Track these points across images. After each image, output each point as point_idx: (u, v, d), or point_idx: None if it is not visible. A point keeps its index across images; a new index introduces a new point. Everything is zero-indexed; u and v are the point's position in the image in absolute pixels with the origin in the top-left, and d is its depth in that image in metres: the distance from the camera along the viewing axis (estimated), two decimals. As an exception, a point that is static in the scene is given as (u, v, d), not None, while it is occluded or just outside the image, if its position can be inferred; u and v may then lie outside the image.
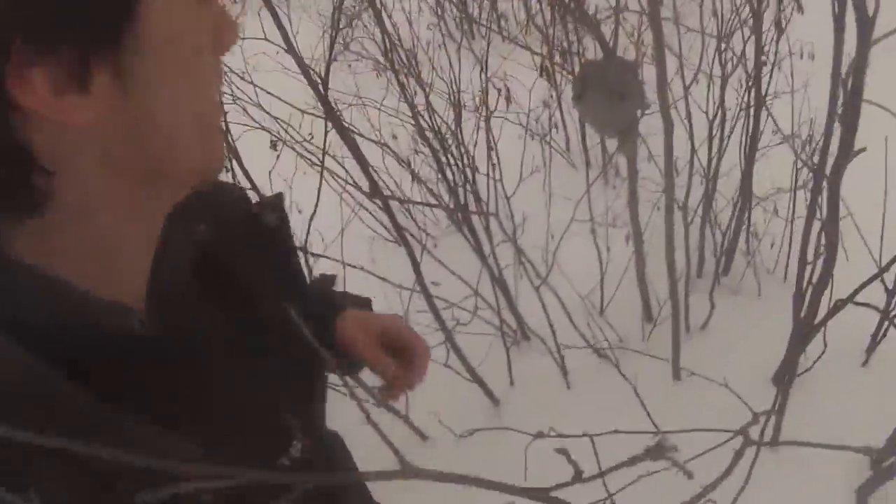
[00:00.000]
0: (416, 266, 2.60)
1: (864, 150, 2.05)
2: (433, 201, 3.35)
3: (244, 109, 3.04)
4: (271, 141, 3.14)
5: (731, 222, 3.21)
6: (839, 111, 1.98)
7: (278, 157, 3.11)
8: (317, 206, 2.94)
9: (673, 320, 2.84)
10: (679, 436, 2.36)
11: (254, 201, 0.88)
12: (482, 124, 3.13)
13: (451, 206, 2.83)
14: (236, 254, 0.79)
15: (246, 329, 0.75)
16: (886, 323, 2.65)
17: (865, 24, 1.75)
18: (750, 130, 2.90)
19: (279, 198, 0.86)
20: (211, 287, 0.75)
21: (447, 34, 4.28)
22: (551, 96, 4.14)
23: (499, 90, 3.69)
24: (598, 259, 3.11)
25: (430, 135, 2.96)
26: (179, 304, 0.70)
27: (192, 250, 0.74)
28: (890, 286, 2.47)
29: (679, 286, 2.77)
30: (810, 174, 2.37)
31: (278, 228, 0.84)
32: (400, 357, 1.13)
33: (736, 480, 2.30)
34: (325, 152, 2.60)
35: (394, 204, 3.96)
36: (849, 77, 1.90)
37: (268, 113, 3.07)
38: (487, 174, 2.82)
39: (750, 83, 2.79)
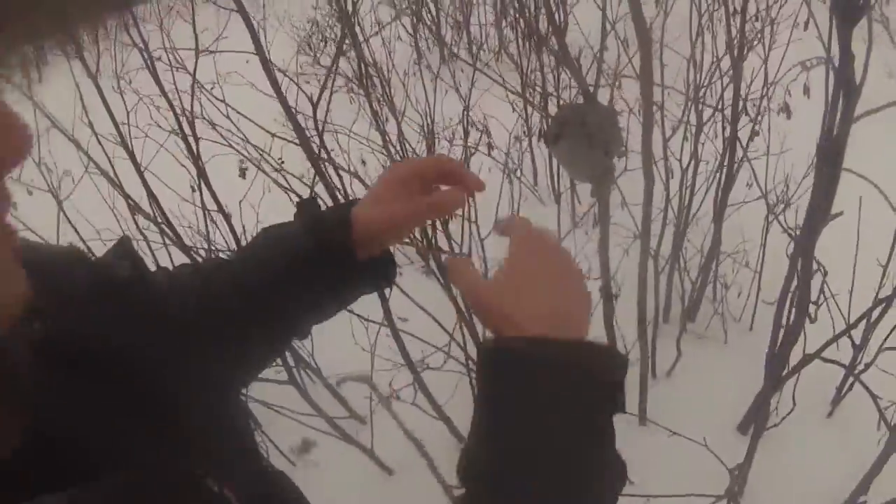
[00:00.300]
0: (383, 301, 2.55)
1: (840, 213, 2.07)
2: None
3: (211, 124, 2.97)
4: (240, 168, 3.07)
5: (700, 271, 3.23)
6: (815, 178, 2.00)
7: (250, 186, 3.05)
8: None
9: (641, 365, 2.82)
10: (649, 483, 2.38)
11: (107, 249, 0.76)
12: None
13: (422, 244, 2.78)
14: (91, 330, 0.67)
15: (128, 405, 0.65)
16: (851, 378, 2.67)
17: (851, 97, 1.76)
18: (722, 183, 2.91)
19: (125, 242, 0.76)
20: (72, 378, 0.64)
21: (425, 62, 4.23)
22: (523, 132, 4.14)
23: (479, 130, 3.67)
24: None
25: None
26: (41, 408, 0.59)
27: (31, 352, 0.62)
28: (857, 342, 2.50)
29: (647, 331, 2.76)
30: (783, 231, 2.38)
31: (133, 276, 0.74)
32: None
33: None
34: (289, 185, 2.53)
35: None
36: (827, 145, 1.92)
37: (238, 139, 3.01)
38: (462, 215, 2.78)
39: (726, 137, 2.80)
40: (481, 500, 0.68)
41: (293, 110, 2.26)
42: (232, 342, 0.91)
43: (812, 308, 2.31)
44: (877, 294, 2.38)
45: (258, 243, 0.96)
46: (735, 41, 2.63)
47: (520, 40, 5.18)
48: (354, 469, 3.05)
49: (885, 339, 2.42)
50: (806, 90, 1.90)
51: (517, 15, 5.33)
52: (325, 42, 6.85)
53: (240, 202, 2.85)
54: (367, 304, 2.66)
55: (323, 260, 0.89)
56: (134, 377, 0.66)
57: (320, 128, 2.36)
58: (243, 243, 2.81)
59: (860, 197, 2.23)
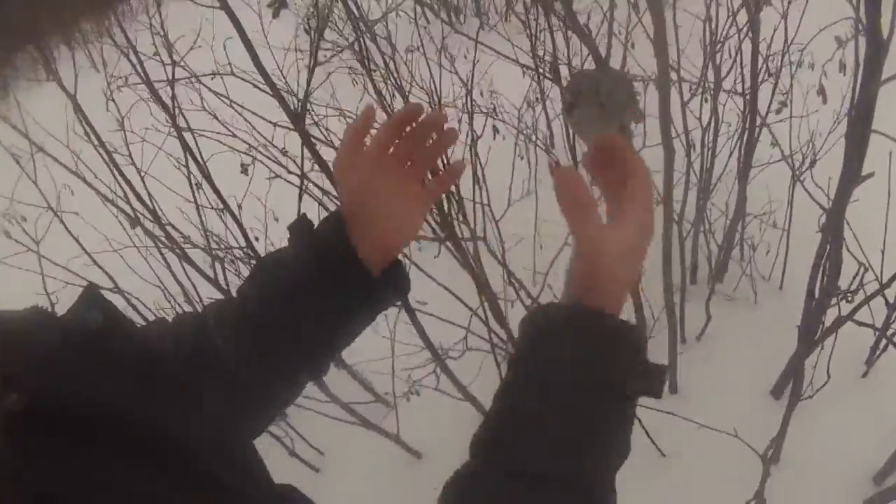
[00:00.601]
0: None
1: (871, 175, 1.98)
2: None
3: (212, 115, 2.89)
4: (242, 164, 3.00)
5: (725, 233, 3.13)
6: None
7: (250, 181, 2.97)
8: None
9: (669, 332, 2.75)
10: (682, 455, 2.31)
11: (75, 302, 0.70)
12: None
13: (437, 227, 2.71)
14: (70, 390, 0.62)
15: (123, 458, 0.62)
16: (884, 340, 2.59)
17: (879, 54, 1.67)
18: (744, 144, 2.81)
19: (92, 292, 0.71)
20: (62, 444, 0.59)
21: (428, 35, 4.12)
22: (536, 98, 4.02)
23: (490, 97, 3.57)
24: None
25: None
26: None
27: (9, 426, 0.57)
28: (891, 300, 2.41)
29: (673, 298, 2.69)
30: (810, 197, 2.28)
31: (105, 326, 0.69)
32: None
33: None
34: (302, 178, 2.46)
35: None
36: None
37: (240, 130, 2.94)
38: (473, 199, 2.70)
39: (746, 95, 2.69)
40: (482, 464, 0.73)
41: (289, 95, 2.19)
42: (235, 386, 0.86)
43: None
44: None
45: (258, 279, 0.91)
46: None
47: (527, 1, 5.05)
48: (382, 455, 3.02)
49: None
50: (842, 67, 1.78)
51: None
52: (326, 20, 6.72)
53: (240, 199, 2.76)
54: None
55: (331, 282, 0.86)
56: (124, 429, 0.62)
57: (308, 108, 2.26)
58: (251, 237, 2.78)
59: (890, 153, 2.13)
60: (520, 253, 2.91)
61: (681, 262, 2.92)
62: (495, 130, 3.69)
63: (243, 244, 2.76)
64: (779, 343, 2.78)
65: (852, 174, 1.96)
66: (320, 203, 3.41)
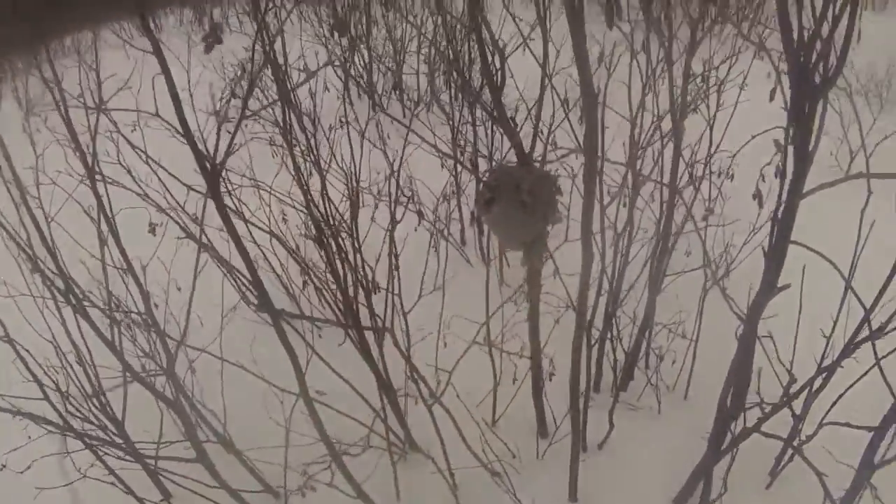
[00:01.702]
0: (299, 374, 2.34)
1: (788, 286, 2.00)
2: (324, 300, 3.12)
3: (129, 172, 2.74)
4: (150, 224, 2.85)
5: (633, 342, 3.12)
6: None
7: (159, 244, 2.83)
8: (192, 293, 2.70)
9: (573, 439, 2.68)
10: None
11: None
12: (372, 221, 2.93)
13: (342, 316, 2.59)
14: None
15: None
16: (790, 451, 2.59)
17: (802, 171, 1.69)
18: (658, 252, 2.82)
19: None
20: None
21: (353, 115, 4.08)
22: (452, 191, 4.00)
23: (406, 195, 3.52)
24: (493, 371, 2.93)
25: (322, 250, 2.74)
26: None
27: None
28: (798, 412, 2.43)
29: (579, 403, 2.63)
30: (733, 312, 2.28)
31: None
32: None
33: None
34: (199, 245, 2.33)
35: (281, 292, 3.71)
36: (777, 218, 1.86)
37: (152, 189, 2.80)
38: (387, 289, 2.61)
39: (663, 204, 2.71)
40: None
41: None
42: None
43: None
44: (819, 364, 2.29)
45: None
46: (677, 102, 2.55)
47: (452, 92, 5.08)
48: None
49: (827, 413, 2.35)
50: (778, 171, 1.85)
51: (449, 66, 5.24)
52: (252, 87, 6.63)
53: (146, 261, 2.62)
54: (282, 373, 2.51)
55: None
56: None
57: (223, 176, 2.15)
58: (154, 304, 2.62)
59: (804, 266, 2.15)
60: (425, 348, 2.81)
61: (587, 370, 2.87)
62: (420, 216, 3.62)
63: (142, 309, 2.60)
64: (682, 453, 2.78)
65: (768, 286, 1.96)
66: (225, 275, 3.28)
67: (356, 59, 7.07)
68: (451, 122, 3.86)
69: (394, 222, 2.59)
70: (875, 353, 2.06)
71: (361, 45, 6.99)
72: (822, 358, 2.36)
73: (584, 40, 1.55)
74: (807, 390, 2.31)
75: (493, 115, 2.41)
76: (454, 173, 4.00)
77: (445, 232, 3.82)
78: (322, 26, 7.62)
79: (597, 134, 1.64)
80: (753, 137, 2.75)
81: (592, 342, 2.86)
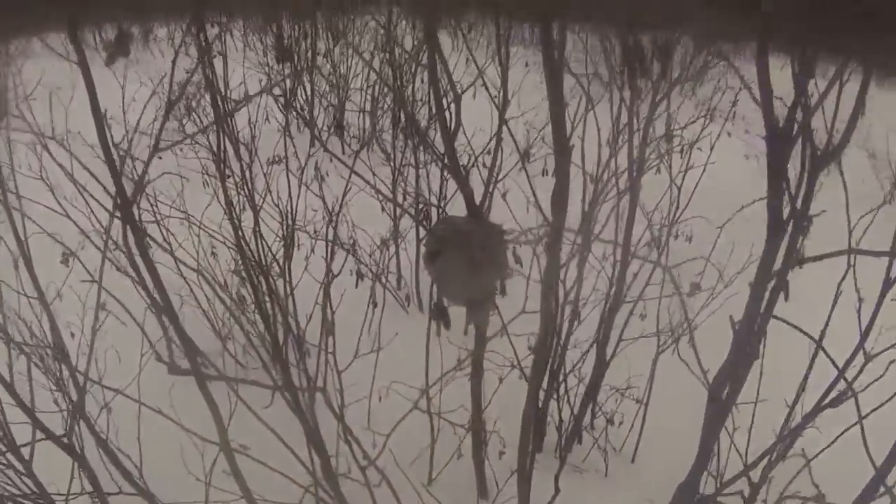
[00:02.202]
0: (221, 429, 2.13)
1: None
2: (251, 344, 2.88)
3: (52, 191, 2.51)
4: (63, 254, 2.62)
5: (580, 403, 2.98)
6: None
7: (68, 274, 2.59)
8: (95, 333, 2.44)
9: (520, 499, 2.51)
10: None
11: None
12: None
13: (272, 366, 2.38)
14: None
15: None
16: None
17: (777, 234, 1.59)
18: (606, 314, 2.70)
19: None
20: None
21: (292, 149, 3.89)
22: (389, 235, 3.82)
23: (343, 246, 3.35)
24: (431, 434, 2.75)
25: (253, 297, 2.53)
26: None
27: None
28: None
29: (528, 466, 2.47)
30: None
31: None
32: None
33: None
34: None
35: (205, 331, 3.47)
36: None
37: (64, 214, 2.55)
38: (320, 347, 2.41)
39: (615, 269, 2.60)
40: None
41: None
42: None
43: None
44: (780, 431, 2.19)
45: None
46: (636, 160, 2.45)
47: (395, 131, 4.91)
48: None
49: (787, 487, 2.22)
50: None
51: (395, 103, 5.10)
52: (190, 111, 6.41)
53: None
54: (204, 419, 2.29)
55: None
56: None
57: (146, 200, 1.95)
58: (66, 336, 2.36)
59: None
60: (360, 406, 2.62)
61: (532, 430, 2.71)
62: (359, 276, 3.42)
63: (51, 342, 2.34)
64: None
65: (741, 358, 1.87)
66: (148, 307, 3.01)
67: (299, 91, 6.89)
68: (392, 164, 3.69)
69: (329, 275, 2.40)
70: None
71: (305, 78, 6.80)
72: (785, 423, 2.26)
73: (561, 97, 1.42)
74: (767, 458, 2.21)
75: (443, 160, 2.25)
76: (394, 218, 3.82)
77: (384, 280, 3.62)
78: (266, 54, 7.44)
79: (566, 192, 1.50)
80: (743, 208, 2.68)
81: (540, 401, 2.71)
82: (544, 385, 2.81)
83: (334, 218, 2.55)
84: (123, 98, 2.50)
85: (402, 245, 4.09)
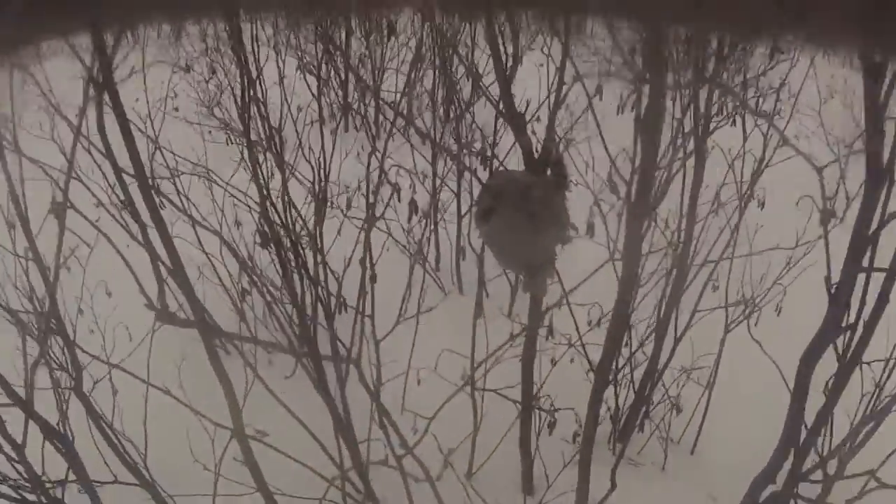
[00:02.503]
0: (234, 408, 1.87)
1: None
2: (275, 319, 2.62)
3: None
4: (53, 204, 2.35)
5: (639, 388, 2.69)
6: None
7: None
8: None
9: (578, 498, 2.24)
10: None
11: None
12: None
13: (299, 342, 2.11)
14: None
15: None
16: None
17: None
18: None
19: None
20: None
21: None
22: (422, 214, 3.54)
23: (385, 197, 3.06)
24: (474, 416, 2.46)
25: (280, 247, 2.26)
26: None
27: None
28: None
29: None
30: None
31: None
32: None
33: None
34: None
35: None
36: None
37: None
38: (357, 308, 2.13)
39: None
40: None
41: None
42: None
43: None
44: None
45: None
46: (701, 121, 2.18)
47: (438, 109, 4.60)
48: None
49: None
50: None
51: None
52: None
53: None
54: (213, 405, 2.04)
55: None
56: None
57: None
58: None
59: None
60: (393, 387, 2.35)
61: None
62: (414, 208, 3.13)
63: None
64: None
65: (833, 326, 1.59)
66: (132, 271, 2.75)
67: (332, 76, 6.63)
68: (433, 108, 3.40)
69: (371, 219, 2.11)
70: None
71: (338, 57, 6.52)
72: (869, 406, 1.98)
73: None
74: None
75: (498, 107, 1.96)
76: (433, 187, 3.53)
77: (423, 254, 3.34)
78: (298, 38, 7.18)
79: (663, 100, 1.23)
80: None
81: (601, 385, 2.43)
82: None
83: (379, 160, 2.26)
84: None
85: (442, 223, 3.81)
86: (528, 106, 2.71)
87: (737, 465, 2.28)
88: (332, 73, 6.63)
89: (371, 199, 2.24)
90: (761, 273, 2.55)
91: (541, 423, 2.45)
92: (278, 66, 4.51)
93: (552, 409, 2.45)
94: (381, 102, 6.32)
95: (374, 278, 2.07)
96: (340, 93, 6.65)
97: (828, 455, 1.99)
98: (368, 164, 2.34)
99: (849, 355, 1.78)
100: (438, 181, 3.50)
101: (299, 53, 6.33)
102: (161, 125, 3.61)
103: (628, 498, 2.56)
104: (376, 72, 6.57)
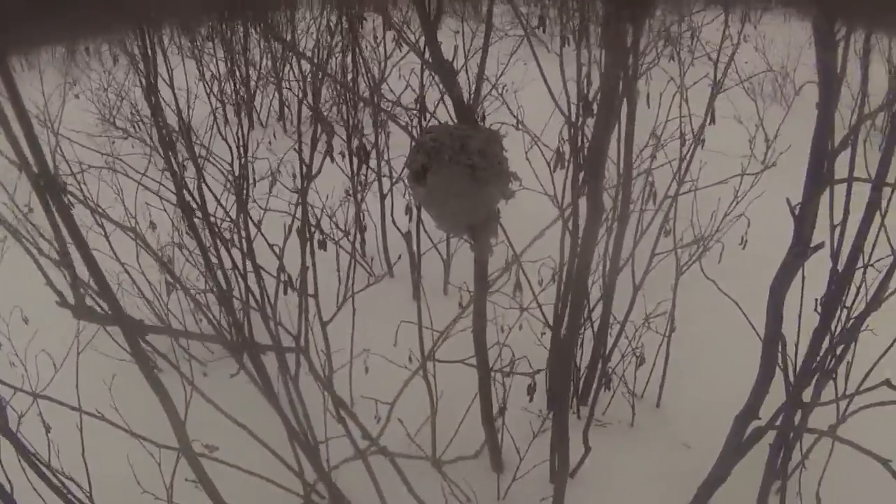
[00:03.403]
0: (177, 426, 1.69)
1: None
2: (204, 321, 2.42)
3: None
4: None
5: (593, 343, 2.59)
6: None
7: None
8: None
9: (559, 467, 2.12)
10: None
11: None
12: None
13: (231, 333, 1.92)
14: None
15: None
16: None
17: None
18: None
19: None
20: None
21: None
22: (348, 192, 3.36)
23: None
24: (430, 396, 2.31)
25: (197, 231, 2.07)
26: None
27: None
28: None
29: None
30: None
31: None
32: None
33: None
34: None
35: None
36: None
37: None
38: (298, 289, 1.94)
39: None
40: None
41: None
42: None
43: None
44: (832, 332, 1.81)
45: None
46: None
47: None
48: None
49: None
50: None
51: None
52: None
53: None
54: (154, 424, 1.85)
55: None
56: None
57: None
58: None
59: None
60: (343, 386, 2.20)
61: (545, 377, 2.34)
62: (321, 244, 2.95)
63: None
64: (666, 469, 2.40)
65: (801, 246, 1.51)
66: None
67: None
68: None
69: (310, 177, 1.93)
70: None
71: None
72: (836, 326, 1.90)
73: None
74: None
75: (423, 56, 1.80)
76: (351, 169, 3.35)
77: (353, 242, 3.16)
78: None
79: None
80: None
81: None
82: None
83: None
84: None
85: (364, 206, 3.64)
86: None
87: (704, 411, 2.21)
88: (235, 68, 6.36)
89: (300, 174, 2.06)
90: (711, 210, 2.49)
91: (505, 394, 2.32)
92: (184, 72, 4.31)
93: (511, 372, 2.32)
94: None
95: (322, 244, 1.90)
96: (243, 88, 6.38)
97: (800, 382, 1.91)
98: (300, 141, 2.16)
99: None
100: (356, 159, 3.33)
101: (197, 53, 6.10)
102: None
103: (601, 459, 2.47)
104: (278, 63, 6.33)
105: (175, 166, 2.02)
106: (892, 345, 1.89)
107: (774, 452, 2.02)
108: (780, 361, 1.95)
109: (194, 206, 2.07)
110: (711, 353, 2.74)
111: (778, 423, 1.90)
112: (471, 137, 1.64)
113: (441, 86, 1.69)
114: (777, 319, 1.70)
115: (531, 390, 2.44)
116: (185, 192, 2.02)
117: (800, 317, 1.95)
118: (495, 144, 1.71)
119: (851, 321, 1.83)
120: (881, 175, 1.57)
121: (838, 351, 1.89)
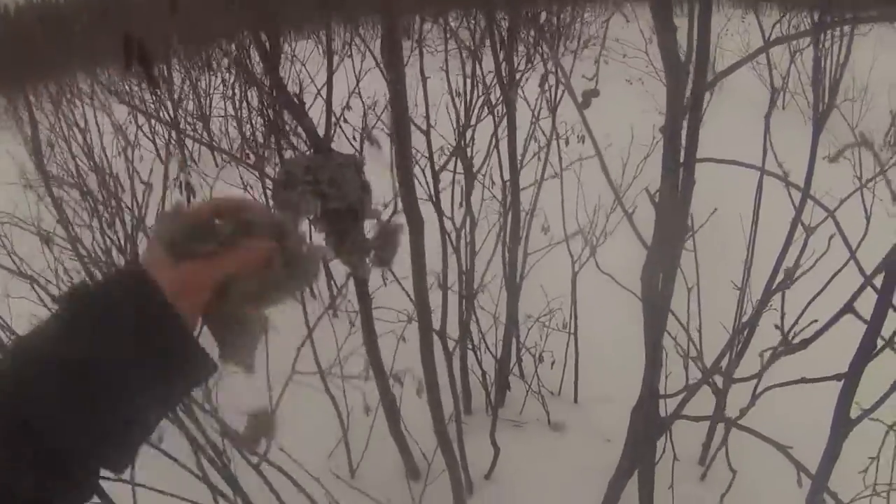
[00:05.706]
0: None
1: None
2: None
3: None
4: None
5: (501, 344, 2.66)
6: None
7: None
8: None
9: (450, 474, 2.19)
10: None
11: None
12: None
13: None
14: None
15: None
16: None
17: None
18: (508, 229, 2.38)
19: None
20: None
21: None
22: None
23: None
24: (336, 412, 2.37)
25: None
26: None
27: None
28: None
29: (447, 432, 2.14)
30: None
31: None
32: None
33: None
34: None
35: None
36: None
37: None
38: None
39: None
40: None
41: None
42: None
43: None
44: (735, 322, 1.95)
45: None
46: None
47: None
48: None
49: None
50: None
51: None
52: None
53: None
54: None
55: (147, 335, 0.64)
56: None
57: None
58: None
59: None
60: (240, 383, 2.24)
61: (451, 389, 2.39)
62: None
63: None
64: (585, 465, 2.40)
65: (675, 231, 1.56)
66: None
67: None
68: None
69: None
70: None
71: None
72: (737, 316, 2.04)
73: None
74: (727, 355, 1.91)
75: (269, 92, 1.86)
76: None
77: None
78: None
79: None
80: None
81: (451, 351, 2.37)
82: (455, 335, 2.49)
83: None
84: None
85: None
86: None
87: (623, 404, 2.27)
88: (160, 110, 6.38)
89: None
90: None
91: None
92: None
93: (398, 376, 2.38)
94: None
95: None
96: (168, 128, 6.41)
97: (711, 368, 1.95)
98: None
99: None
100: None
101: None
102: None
103: (518, 459, 2.53)
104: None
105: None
106: (794, 323, 1.93)
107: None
108: (691, 350, 2.05)
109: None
110: (618, 343, 2.81)
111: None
112: (322, 168, 1.70)
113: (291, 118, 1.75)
114: (654, 306, 1.75)
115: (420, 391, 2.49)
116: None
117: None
118: (350, 172, 1.77)
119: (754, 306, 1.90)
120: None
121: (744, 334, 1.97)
